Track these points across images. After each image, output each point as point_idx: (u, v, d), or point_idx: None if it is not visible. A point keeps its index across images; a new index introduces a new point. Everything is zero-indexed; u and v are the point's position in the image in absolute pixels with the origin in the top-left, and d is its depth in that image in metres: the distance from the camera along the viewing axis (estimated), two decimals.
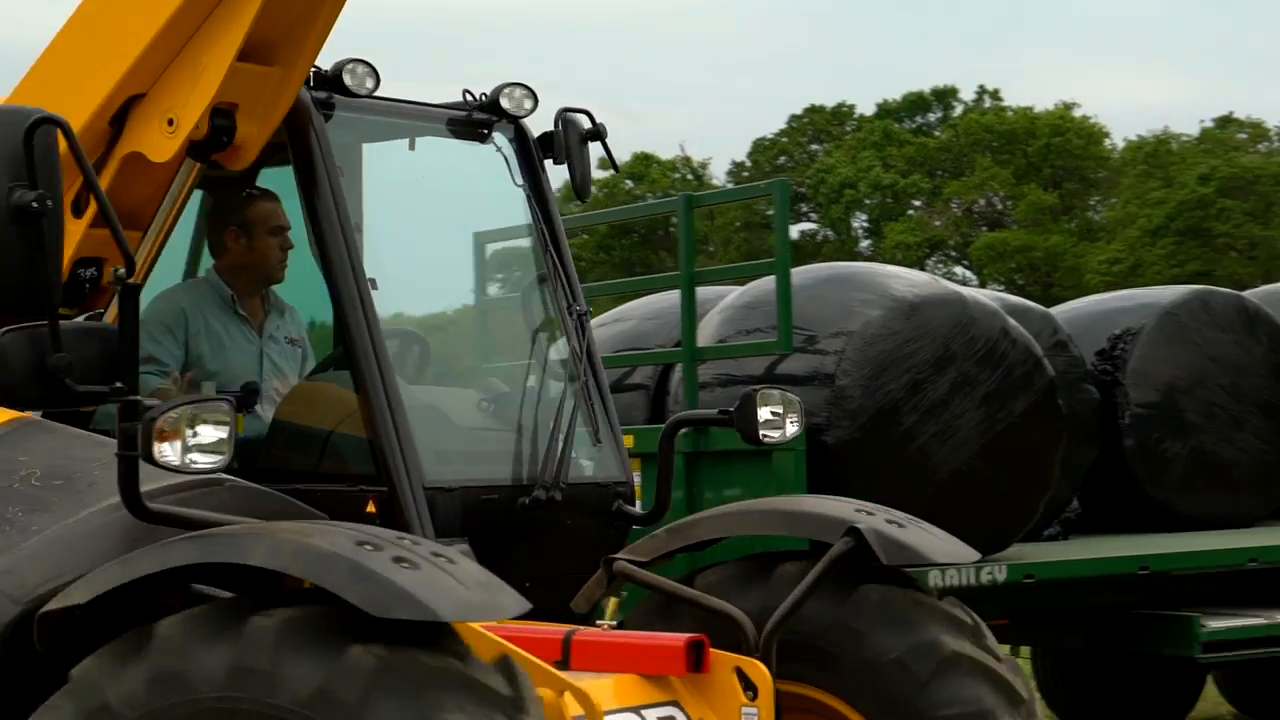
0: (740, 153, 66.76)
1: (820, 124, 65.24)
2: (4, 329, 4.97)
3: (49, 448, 4.96)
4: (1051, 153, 60.22)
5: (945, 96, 66.13)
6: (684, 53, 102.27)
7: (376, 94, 6.21)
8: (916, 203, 62.08)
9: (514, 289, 7.30)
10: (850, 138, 64.70)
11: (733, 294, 9.63)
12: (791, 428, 6.38)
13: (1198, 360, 10.81)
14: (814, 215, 61.81)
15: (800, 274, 9.07)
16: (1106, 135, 63.19)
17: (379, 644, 4.09)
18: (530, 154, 6.72)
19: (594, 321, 7.32)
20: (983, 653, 5.64)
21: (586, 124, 6.81)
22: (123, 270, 4.69)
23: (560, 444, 6.17)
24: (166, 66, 5.66)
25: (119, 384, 4.64)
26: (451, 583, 4.21)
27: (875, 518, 5.75)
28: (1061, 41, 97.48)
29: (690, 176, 62.17)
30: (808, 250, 55.88)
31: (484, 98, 6.57)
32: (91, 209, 5.51)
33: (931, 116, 66.34)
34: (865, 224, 62.97)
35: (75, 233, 5.57)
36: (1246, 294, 11.91)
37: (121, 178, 5.78)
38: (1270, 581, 9.71)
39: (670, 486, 6.48)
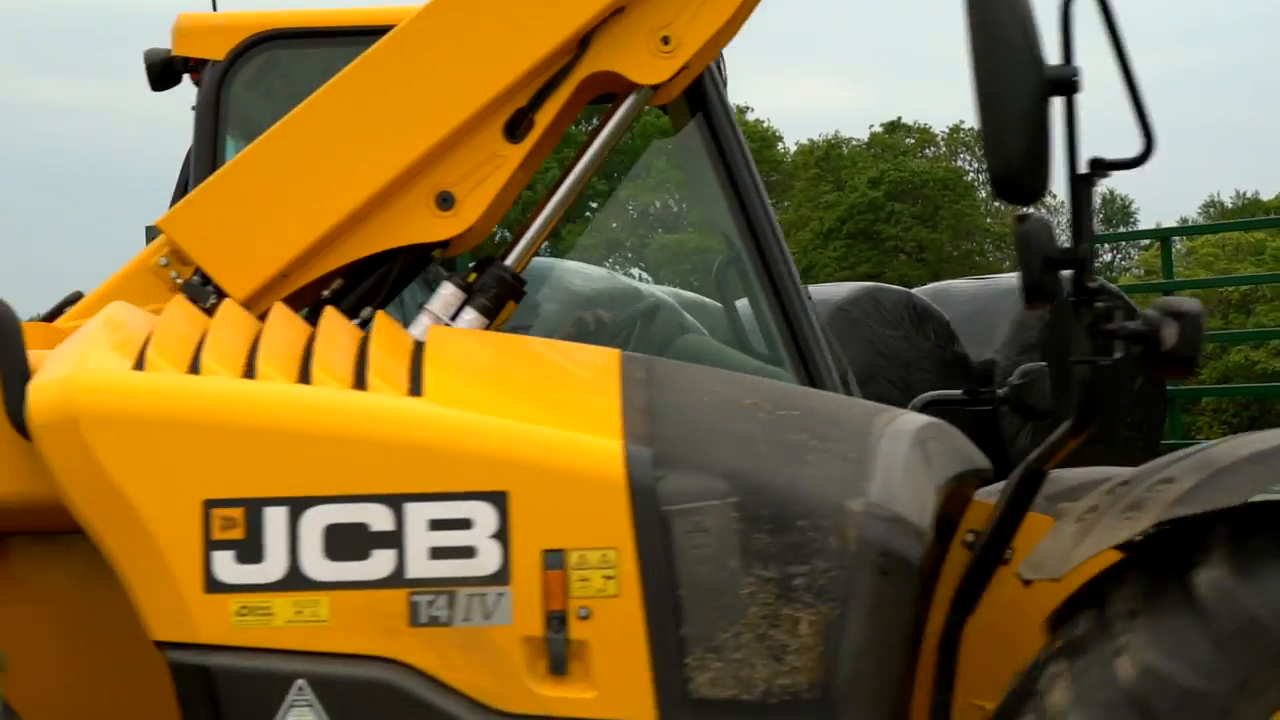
0: None
1: None
2: (1020, 213, 4.26)
3: (723, 379, 4.56)
4: None
5: None
6: None
7: None
8: (594, 204, 62.63)
9: None
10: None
11: None
12: None
13: (868, 356, 11.02)
14: None
15: None
16: (779, 139, 64.43)
17: None
18: None
19: None
20: None
21: None
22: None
23: None
24: None
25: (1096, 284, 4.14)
26: None
27: None
28: (732, 45, 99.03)
29: None
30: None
31: None
32: (535, 133, 4.83)
33: None
34: None
35: (513, 160, 4.82)
36: (915, 291, 12.23)
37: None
38: None
39: None
